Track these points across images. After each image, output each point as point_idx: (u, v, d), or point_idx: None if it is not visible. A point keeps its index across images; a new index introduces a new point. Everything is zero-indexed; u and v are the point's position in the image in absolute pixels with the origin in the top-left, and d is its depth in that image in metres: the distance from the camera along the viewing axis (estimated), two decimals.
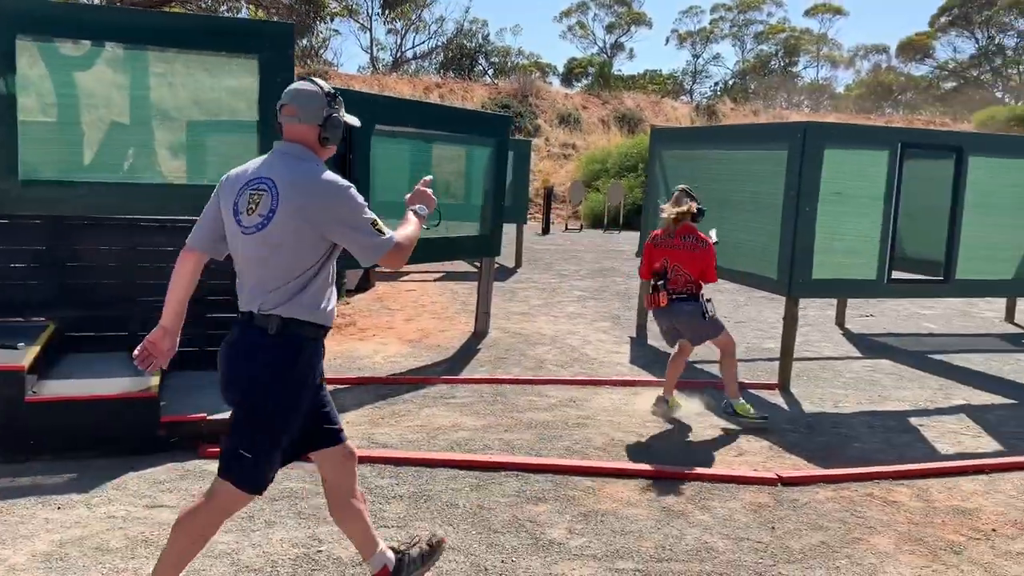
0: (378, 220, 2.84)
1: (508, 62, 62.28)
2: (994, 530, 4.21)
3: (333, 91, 2.94)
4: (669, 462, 4.95)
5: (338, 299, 9.60)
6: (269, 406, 2.81)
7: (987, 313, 11.09)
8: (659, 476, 4.67)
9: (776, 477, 4.72)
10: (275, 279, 2.79)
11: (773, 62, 63.71)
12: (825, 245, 6.61)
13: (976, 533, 4.16)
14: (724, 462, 5.04)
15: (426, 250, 7.62)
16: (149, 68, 5.69)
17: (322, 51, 53.24)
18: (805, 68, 64.39)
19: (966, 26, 57.41)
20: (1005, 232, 7.11)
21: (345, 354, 7.24)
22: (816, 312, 10.45)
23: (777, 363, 6.98)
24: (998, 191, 7.02)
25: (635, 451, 5.13)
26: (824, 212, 6.54)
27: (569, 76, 58.10)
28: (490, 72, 57.06)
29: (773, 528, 4.10)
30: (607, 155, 26.23)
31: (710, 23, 65.80)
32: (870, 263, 6.76)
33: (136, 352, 2.94)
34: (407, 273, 12.52)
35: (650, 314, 6.15)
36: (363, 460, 4.66)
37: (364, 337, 7.92)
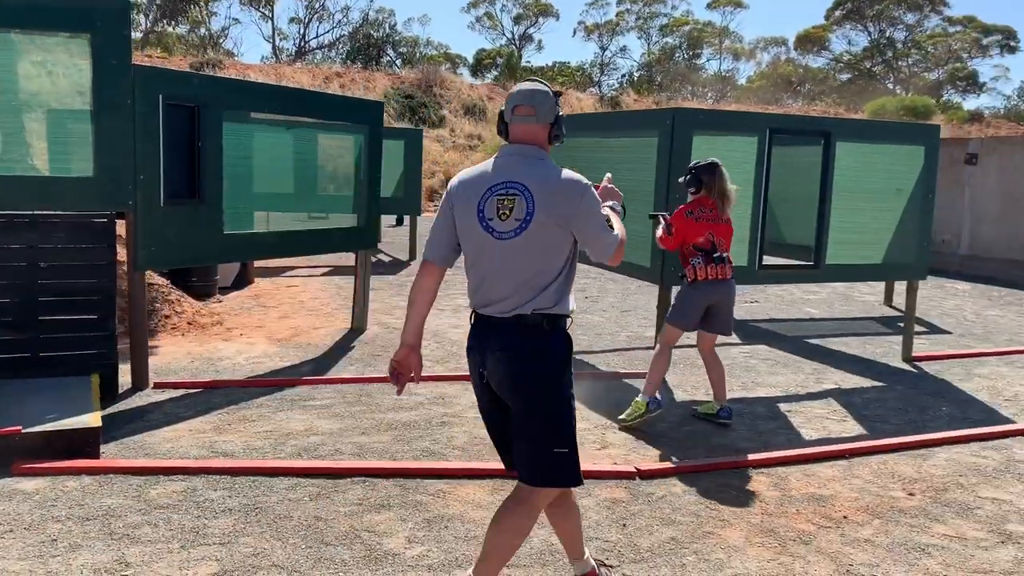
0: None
1: (416, 52, 61.73)
2: (845, 517, 4.16)
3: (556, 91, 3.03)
4: None
5: (209, 296, 9.20)
6: (564, 399, 2.89)
7: (868, 297, 11.35)
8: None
9: (635, 471, 4.60)
10: (541, 280, 2.85)
11: (677, 54, 64.75)
12: None
13: (828, 521, 4.11)
14: (586, 456, 4.87)
15: (296, 243, 7.30)
16: None
17: (221, 40, 51.78)
18: (709, 60, 65.73)
19: (859, 20, 59.49)
20: (873, 217, 7.18)
21: (205, 355, 6.84)
22: None
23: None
24: (865, 176, 7.08)
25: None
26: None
27: (479, 67, 57.78)
28: (398, 62, 56.38)
29: (624, 525, 3.96)
30: None
31: (616, 15, 66.37)
32: (740, 250, 6.72)
33: (389, 375, 3.02)
34: (291, 268, 12.08)
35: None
36: (196, 471, 4.35)
37: (230, 337, 7.52)
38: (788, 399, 6.30)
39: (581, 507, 4.09)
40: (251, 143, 6.63)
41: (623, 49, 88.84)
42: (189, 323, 7.77)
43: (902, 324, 9.39)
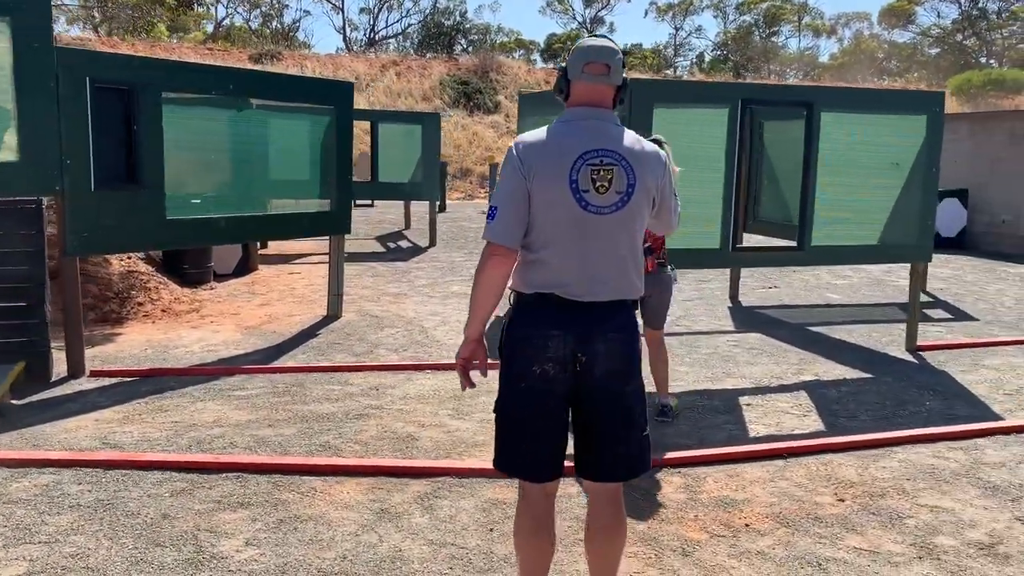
0: None
1: (487, 40, 61.65)
2: (747, 525, 3.74)
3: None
4: (436, 454, 4.48)
5: (202, 283, 9.17)
6: (643, 380, 2.75)
7: (902, 281, 10.58)
8: (397, 472, 4.20)
9: None
10: (634, 258, 2.65)
11: (755, 33, 62.77)
12: None
13: (725, 529, 3.69)
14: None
15: (254, 228, 7.15)
16: None
17: (292, 33, 52.59)
18: (788, 39, 63.62)
19: None
20: (866, 194, 6.59)
21: (163, 343, 6.76)
22: (718, 285, 9.95)
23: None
24: (856, 149, 6.50)
25: (404, 444, 4.65)
26: None
27: (550, 52, 57.21)
28: (469, 50, 56.37)
29: (491, 530, 3.63)
30: None
31: None
32: (713, 230, 6.25)
33: (459, 373, 2.76)
34: (303, 255, 12.03)
35: None
36: (68, 464, 4.21)
37: (199, 325, 7.44)
38: (755, 391, 5.82)
39: (454, 509, 3.80)
40: (199, 126, 6.48)
41: (698, 29, 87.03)
42: (163, 311, 7.72)
43: (926, 311, 8.74)
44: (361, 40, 55.04)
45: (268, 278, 10.04)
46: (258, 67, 26.13)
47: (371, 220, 16.90)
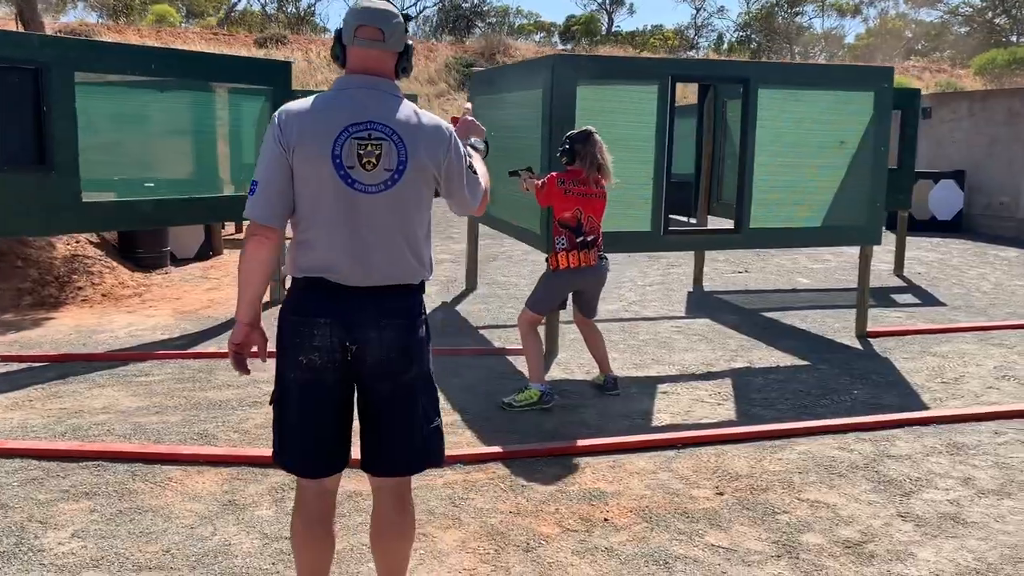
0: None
1: (506, 22, 61.24)
2: (607, 519, 3.56)
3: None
4: None
5: (157, 268, 9.10)
6: (430, 369, 2.56)
7: (883, 266, 10.26)
8: (257, 462, 4.05)
9: None
10: (411, 240, 2.45)
11: (778, 13, 61.68)
12: None
13: (581, 524, 3.52)
14: None
15: (176, 212, 7.00)
16: None
17: (308, 18, 52.50)
18: (812, 19, 62.40)
19: None
20: (809, 174, 6.32)
21: (91, 328, 6.67)
22: (684, 270, 9.70)
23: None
24: (797, 127, 6.23)
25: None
26: None
27: (568, 34, 56.66)
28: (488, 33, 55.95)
29: (335, 524, 3.47)
30: None
31: None
32: (643, 212, 6.03)
33: (231, 361, 2.58)
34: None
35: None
36: None
37: (136, 309, 7.35)
38: (677, 379, 5.62)
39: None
40: (120, 107, 6.36)
41: (721, 9, 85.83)
42: (104, 295, 7.65)
43: (895, 296, 8.47)
44: None
45: (229, 263, 9.93)
46: (261, 52, 26.04)
47: None
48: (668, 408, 5.01)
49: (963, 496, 3.84)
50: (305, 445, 2.49)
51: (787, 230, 6.37)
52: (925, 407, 5.10)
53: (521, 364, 5.63)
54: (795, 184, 6.32)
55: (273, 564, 3.17)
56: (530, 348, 5.01)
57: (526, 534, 3.42)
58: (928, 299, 8.44)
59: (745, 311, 7.73)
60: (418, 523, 3.44)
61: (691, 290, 8.69)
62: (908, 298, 8.49)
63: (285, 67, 7.38)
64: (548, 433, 4.54)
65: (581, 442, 4.33)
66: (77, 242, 8.26)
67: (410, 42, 2.53)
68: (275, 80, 7.23)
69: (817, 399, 5.24)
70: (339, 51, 2.49)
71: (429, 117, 2.48)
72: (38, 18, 10.70)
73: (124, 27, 27.63)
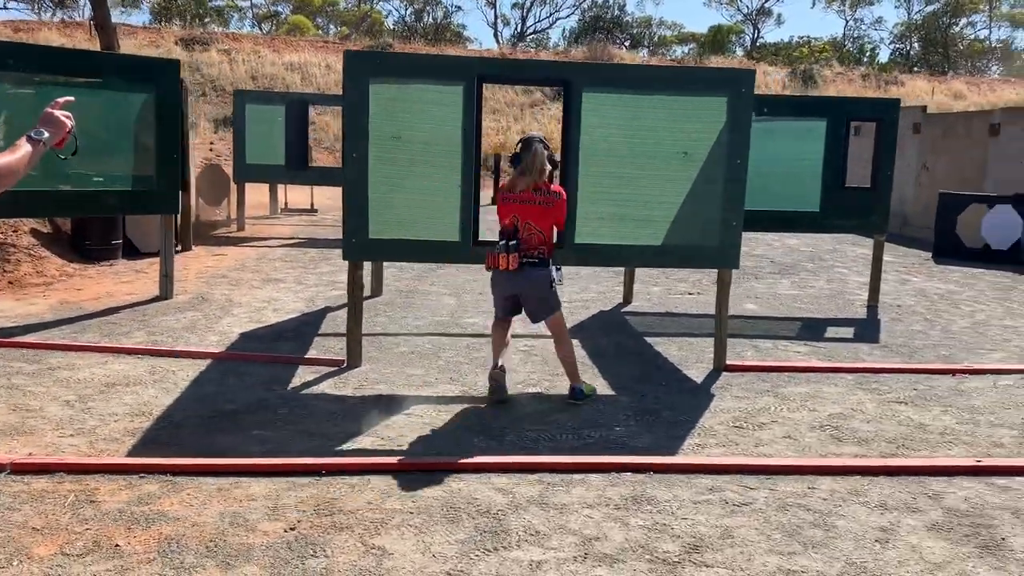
0: None
1: (647, 33, 60.48)
2: (118, 545, 3.30)
3: None
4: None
5: (106, 260, 9.44)
6: None
7: (858, 294, 9.23)
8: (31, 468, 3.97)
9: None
10: None
11: (939, 24, 57.50)
12: (386, 199, 5.61)
13: (89, 545, 3.27)
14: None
15: (61, 203, 7.22)
16: None
17: (448, 27, 53.79)
18: (980, 29, 57.74)
19: None
20: (646, 188, 5.72)
21: None
22: (641, 287, 9.10)
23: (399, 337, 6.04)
24: (631, 135, 5.66)
25: (89, 429, 4.49)
26: (381, 159, 5.54)
27: (713, 45, 55.19)
28: (626, 44, 55.47)
29: None
30: None
31: None
32: (451, 222, 5.66)
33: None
34: (265, 239, 12.18)
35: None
36: None
37: (23, 298, 7.62)
38: (453, 400, 5.21)
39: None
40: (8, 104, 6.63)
41: (879, 20, 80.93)
42: (11, 282, 8.01)
43: (834, 328, 7.62)
44: (512, 35, 55.55)
45: (188, 258, 10.21)
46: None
47: None
48: (379, 432, 4.63)
49: (575, 556, 3.31)
50: None
51: (620, 247, 5.80)
52: (671, 453, 4.47)
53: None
54: (630, 198, 5.75)
55: None
56: (493, 337, 5.34)
57: (14, 551, 3.22)
58: (866, 335, 7.48)
59: (631, 334, 7.14)
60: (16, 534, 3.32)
61: (606, 308, 8.13)
62: (842, 332, 7.57)
63: (170, 66, 7.48)
64: (279, 451, 4.31)
65: (184, 461, 4.07)
66: (15, 231, 8.71)
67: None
68: (161, 78, 7.34)
69: (558, 432, 4.71)
70: None
71: None
72: None
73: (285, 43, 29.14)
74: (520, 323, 5.59)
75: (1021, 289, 10.09)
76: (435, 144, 5.58)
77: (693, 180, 5.77)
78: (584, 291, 8.96)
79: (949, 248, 12.64)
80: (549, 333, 5.45)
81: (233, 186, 13.42)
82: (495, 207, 5.36)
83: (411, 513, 3.64)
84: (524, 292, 5.13)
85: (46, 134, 2.75)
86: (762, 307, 8.57)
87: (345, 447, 4.38)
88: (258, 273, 9.40)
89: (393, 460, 4.14)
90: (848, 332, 7.56)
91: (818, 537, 3.56)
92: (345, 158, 5.54)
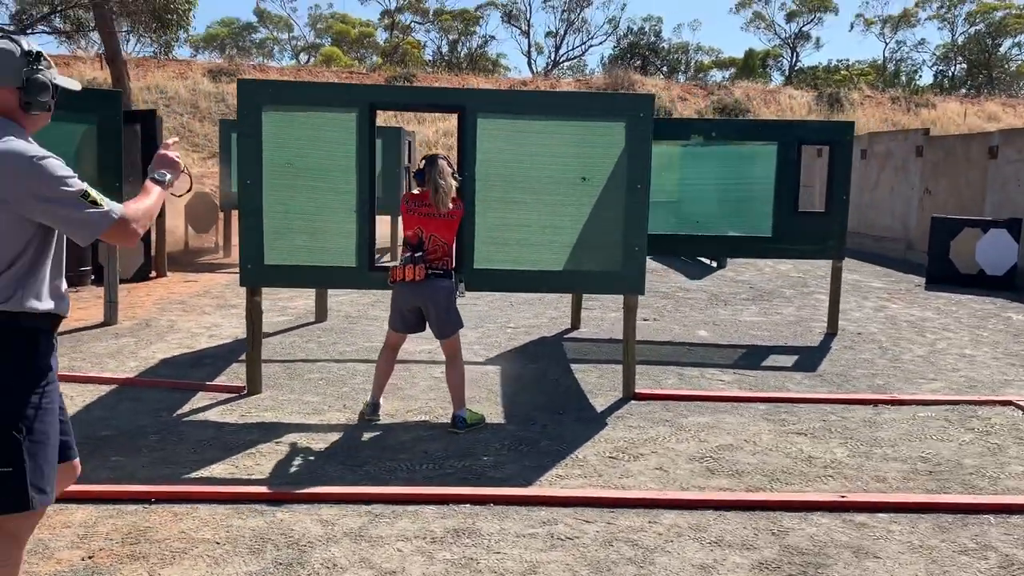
0: (91, 191, 2.57)
1: (684, 58, 60.39)
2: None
3: (34, 49, 2.61)
4: None
5: (75, 287, 9.65)
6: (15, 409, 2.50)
7: (823, 321, 9.00)
8: None
9: None
10: None
11: (984, 46, 56.34)
12: (282, 226, 5.64)
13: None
14: None
15: None
16: None
17: (482, 57, 54.35)
18: None
19: None
20: (543, 213, 5.66)
21: None
22: (599, 313, 9.01)
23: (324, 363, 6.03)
24: (527, 161, 5.61)
25: None
26: (275, 186, 5.58)
27: (748, 69, 54.87)
28: (664, 69, 55.47)
29: None
30: None
31: (915, 3, 59.23)
32: (347, 247, 5.66)
33: None
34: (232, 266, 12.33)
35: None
36: None
37: None
38: (334, 428, 5.18)
39: None
40: None
41: (921, 42, 79.68)
42: None
43: (776, 355, 7.45)
44: (546, 63, 55.85)
45: (159, 285, 10.38)
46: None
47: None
48: (249, 459, 4.62)
49: None
50: None
51: (519, 273, 5.74)
52: (526, 484, 4.38)
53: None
54: (529, 223, 5.70)
55: None
56: (379, 365, 5.40)
57: None
58: (806, 363, 7.27)
59: (559, 360, 7.04)
60: None
61: (549, 335, 8.05)
62: (782, 360, 7.37)
63: (111, 96, 7.66)
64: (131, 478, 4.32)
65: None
66: None
67: (39, 76, 2.57)
68: (102, 108, 7.52)
69: (434, 460, 4.65)
70: None
71: (10, 147, 2.48)
72: None
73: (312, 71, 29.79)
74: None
75: (1002, 317, 9.74)
76: (330, 171, 5.61)
77: (593, 205, 5.70)
78: (537, 316, 8.90)
79: (943, 274, 12.28)
80: (445, 359, 5.38)
81: (220, 213, 13.65)
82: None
83: (217, 544, 3.60)
84: (427, 304, 5.13)
85: (168, 176, 2.82)
86: (714, 334, 8.40)
87: (193, 475, 4.37)
88: (217, 299, 9.51)
89: (226, 489, 4.11)
90: (789, 360, 7.36)
91: (628, 574, 3.44)
92: (240, 185, 5.58)
